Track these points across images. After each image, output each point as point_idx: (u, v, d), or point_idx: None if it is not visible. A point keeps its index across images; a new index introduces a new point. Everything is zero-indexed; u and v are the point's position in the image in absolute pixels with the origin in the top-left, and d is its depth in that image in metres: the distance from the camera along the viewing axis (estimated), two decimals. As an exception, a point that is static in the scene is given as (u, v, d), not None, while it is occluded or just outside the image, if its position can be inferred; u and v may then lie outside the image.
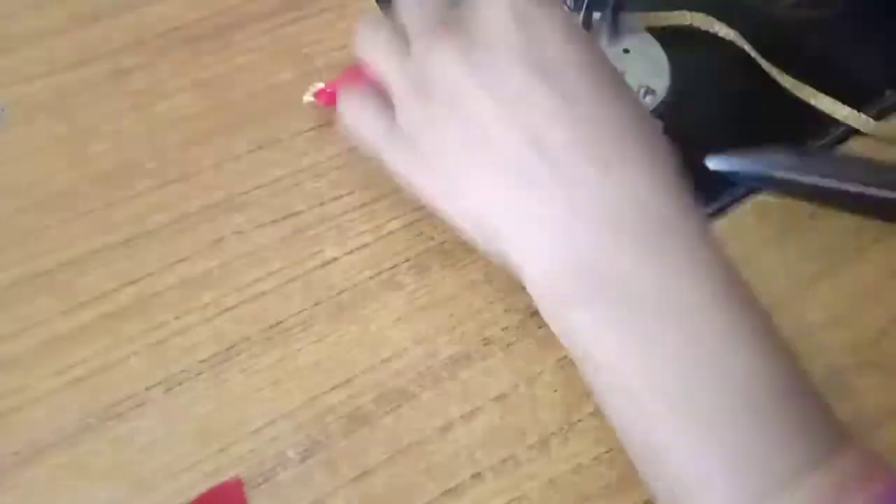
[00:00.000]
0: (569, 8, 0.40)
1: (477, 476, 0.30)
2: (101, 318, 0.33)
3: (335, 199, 0.37)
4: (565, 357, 0.33)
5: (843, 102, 0.40)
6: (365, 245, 0.36)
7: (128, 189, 0.37)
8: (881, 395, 0.33)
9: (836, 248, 0.37)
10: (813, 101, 0.40)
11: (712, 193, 0.38)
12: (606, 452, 0.31)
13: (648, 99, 0.41)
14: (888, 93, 0.41)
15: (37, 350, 0.33)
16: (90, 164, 0.38)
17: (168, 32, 0.43)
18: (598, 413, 0.32)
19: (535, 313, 0.34)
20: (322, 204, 0.37)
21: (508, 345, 0.33)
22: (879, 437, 0.32)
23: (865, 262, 0.36)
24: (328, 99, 0.38)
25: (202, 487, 0.30)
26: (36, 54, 0.41)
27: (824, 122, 0.40)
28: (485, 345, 0.33)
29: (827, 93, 0.40)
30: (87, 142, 0.39)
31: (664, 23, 0.43)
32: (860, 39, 0.44)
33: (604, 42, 0.41)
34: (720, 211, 0.37)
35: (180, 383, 0.32)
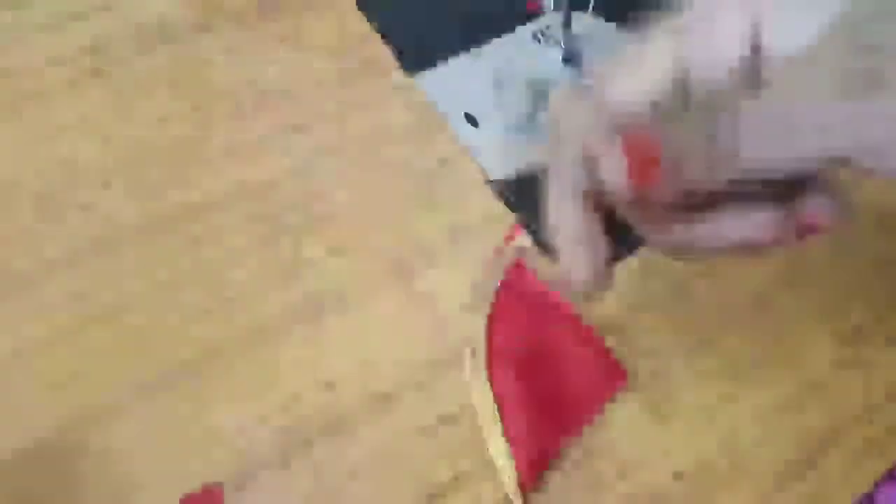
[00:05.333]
0: (552, 8, 0.40)
1: (460, 479, 0.30)
2: (78, 321, 0.33)
3: (330, 198, 0.37)
4: (548, 358, 0.33)
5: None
6: (355, 246, 0.35)
7: (105, 188, 0.37)
8: (862, 390, 0.33)
9: (827, 241, 0.37)
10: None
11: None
12: (590, 453, 0.31)
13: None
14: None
15: (12, 355, 0.32)
16: (70, 163, 0.37)
17: (153, 29, 0.42)
18: (581, 414, 0.32)
19: (518, 314, 0.34)
20: (315, 203, 0.37)
21: (492, 346, 0.33)
22: (859, 432, 0.32)
23: (855, 259, 0.37)
24: None
25: (181, 492, 0.29)
26: (22, 51, 0.41)
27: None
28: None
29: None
30: (69, 141, 0.38)
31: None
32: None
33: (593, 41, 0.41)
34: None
35: (159, 387, 0.32)
